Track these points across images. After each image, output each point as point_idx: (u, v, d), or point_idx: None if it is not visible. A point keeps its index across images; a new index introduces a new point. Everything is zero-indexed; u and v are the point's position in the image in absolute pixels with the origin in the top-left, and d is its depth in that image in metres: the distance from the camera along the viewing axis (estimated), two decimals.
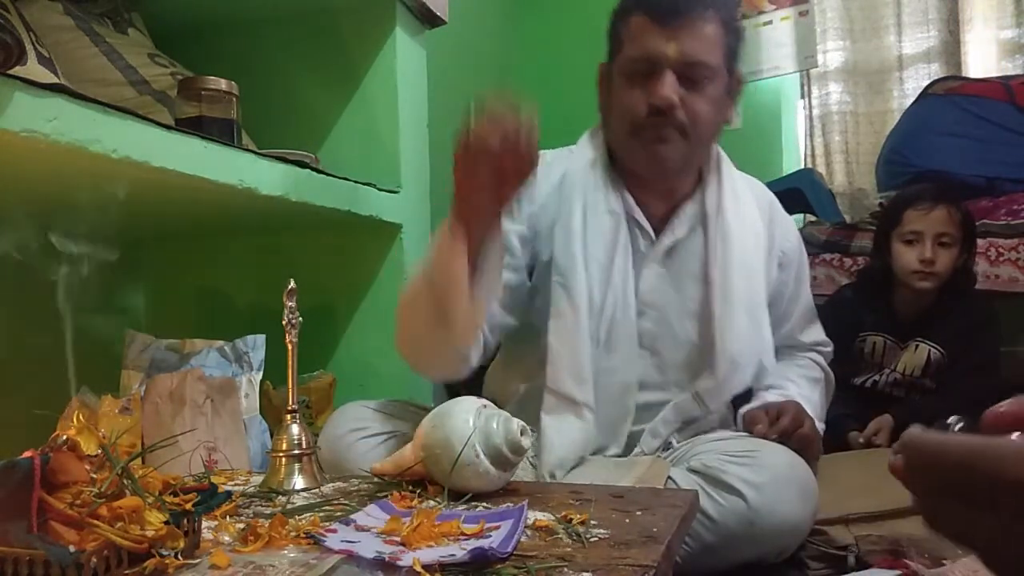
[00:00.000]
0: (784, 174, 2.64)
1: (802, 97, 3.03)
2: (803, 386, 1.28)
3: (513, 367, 1.30)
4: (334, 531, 0.69)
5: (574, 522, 0.73)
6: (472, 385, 1.78)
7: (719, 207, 1.18)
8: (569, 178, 1.19)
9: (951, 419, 1.22)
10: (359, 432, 1.14)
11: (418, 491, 0.85)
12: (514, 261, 1.16)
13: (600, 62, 1.22)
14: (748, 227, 1.20)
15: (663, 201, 1.20)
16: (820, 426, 1.23)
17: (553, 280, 1.15)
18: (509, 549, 0.63)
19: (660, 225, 1.20)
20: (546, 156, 1.18)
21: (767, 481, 1.04)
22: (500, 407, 1.24)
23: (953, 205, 1.74)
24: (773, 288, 1.25)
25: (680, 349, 1.20)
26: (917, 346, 1.78)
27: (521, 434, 0.85)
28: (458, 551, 0.62)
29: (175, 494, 0.64)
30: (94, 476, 0.58)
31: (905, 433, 0.37)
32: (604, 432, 1.18)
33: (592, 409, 1.14)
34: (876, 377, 1.83)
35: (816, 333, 1.37)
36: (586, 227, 1.15)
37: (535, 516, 0.75)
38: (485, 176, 0.91)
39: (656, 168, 1.15)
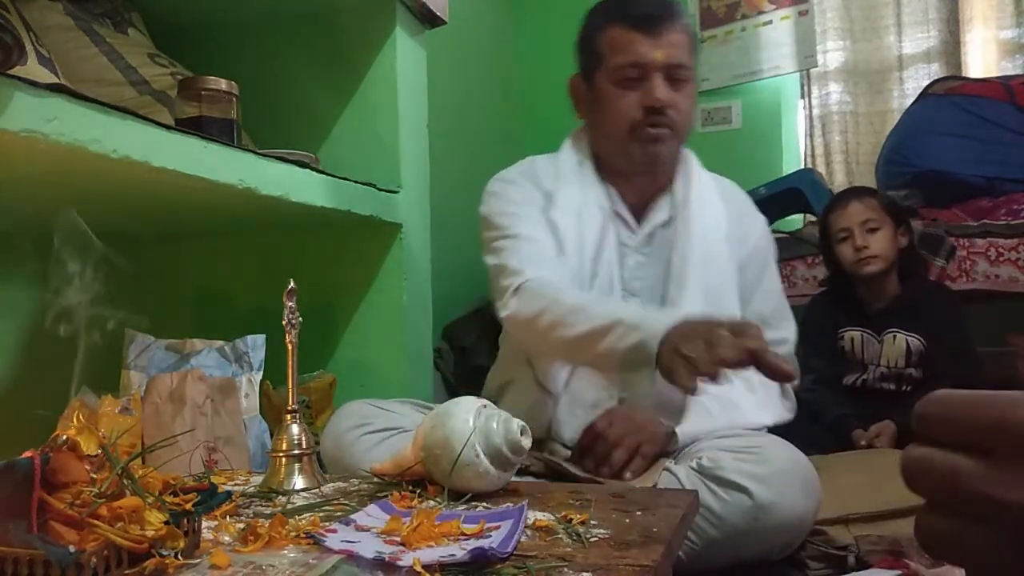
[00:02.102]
0: (784, 174, 2.65)
1: (802, 97, 3.03)
2: None
3: (507, 358, 1.37)
4: (334, 531, 0.69)
5: (574, 522, 0.73)
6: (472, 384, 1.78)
7: (686, 199, 1.28)
8: (562, 178, 1.29)
9: None
10: (362, 428, 1.17)
11: (418, 491, 0.85)
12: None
13: (572, 75, 1.32)
14: (710, 217, 1.28)
15: (641, 195, 1.30)
16: (683, 424, 1.19)
17: None
18: (509, 549, 0.63)
19: (638, 216, 1.30)
20: (537, 162, 1.35)
21: (770, 476, 1.05)
22: (495, 400, 1.27)
23: (866, 195, 1.88)
24: (740, 281, 1.30)
25: None
26: (895, 337, 1.83)
27: (521, 434, 0.85)
28: (458, 551, 0.62)
29: (175, 494, 0.64)
30: (94, 476, 0.58)
31: (920, 403, 0.36)
32: (584, 410, 1.22)
33: (549, 393, 1.23)
34: (865, 376, 1.86)
35: (777, 330, 1.31)
36: (580, 224, 1.25)
37: (535, 516, 0.75)
38: None
39: (651, 165, 1.25)
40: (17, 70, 0.75)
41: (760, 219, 1.38)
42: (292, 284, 0.94)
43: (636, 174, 1.28)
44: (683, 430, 1.18)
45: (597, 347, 1.05)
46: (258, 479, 0.96)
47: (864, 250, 1.81)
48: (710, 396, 1.21)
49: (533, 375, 1.25)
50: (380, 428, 1.18)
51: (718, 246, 1.28)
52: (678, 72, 1.21)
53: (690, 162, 1.33)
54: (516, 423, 0.86)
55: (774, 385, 1.28)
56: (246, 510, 0.81)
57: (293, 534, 0.67)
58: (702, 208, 1.28)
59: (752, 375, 1.25)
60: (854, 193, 1.92)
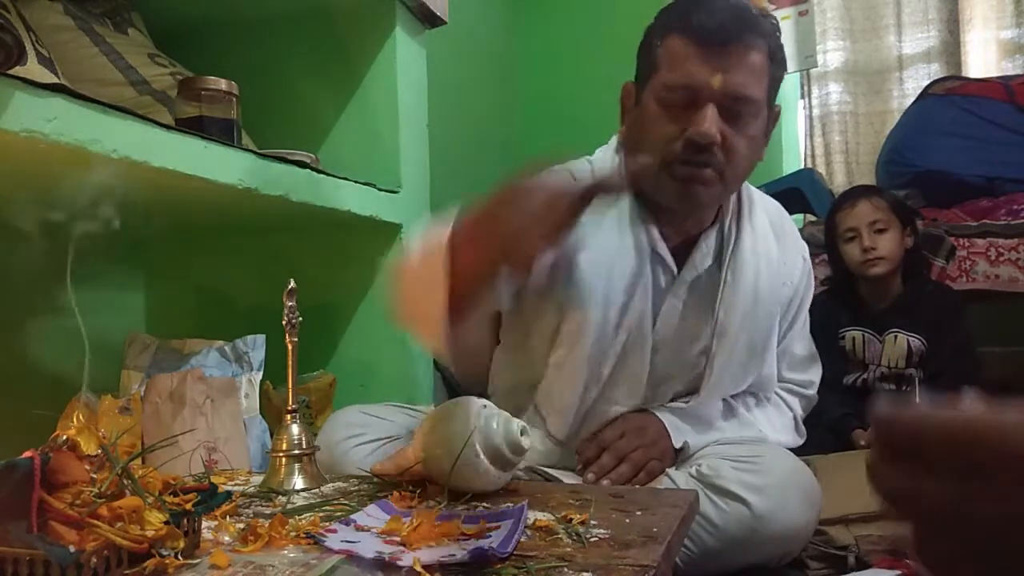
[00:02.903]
0: (784, 174, 2.65)
1: (802, 97, 3.04)
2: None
3: (508, 357, 1.25)
4: (334, 531, 0.69)
5: (574, 522, 0.73)
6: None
7: (737, 240, 1.13)
8: (599, 208, 1.12)
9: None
10: (355, 439, 1.13)
11: (418, 491, 0.85)
12: None
13: (626, 81, 1.13)
14: (763, 260, 1.14)
15: (686, 233, 1.13)
16: (696, 440, 1.14)
17: (567, 310, 1.10)
18: (509, 549, 0.63)
19: (680, 256, 1.13)
20: (572, 170, 1.09)
21: (770, 487, 1.03)
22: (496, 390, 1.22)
23: (875, 195, 1.86)
24: (779, 317, 1.21)
25: (679, 380, 1.18)
26: (896, 337, 1.84)
27: (521, 434, 0.85)
28: (458, 551, 0.62)
29: (175, 494, 0.64)
30: (94, 476, 0.58)
31: (875, 412, 0.35)
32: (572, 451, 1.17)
33: (561, 443, 1.16)
34: (865, 375, 1.87)
35: (804, 373, 1.29)
36: (612, 263, 1.09)
37: (535, 516, 0.75)
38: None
39: (684, 208, 1.08)
40: (17, 70, 0.75)
41: (803, 254, 1.25)
42: (292, 284, 0.94)
43: (674, 212, 1.10)
44: (693, 442, 1.14)
45: None
46: (258, 479, 0.96)
47: (871, 251, 1.80)
48: (721, 410, 1.21)
49: (544, 427, 1.16)
50: (372, 438, 1.14)
51: (769, 296, 1.15)
52: (738, 105, 0.99)
53: (743, 192, 1.15)
54: (516, 423, 0.86)
55: (789, 416, 1.28)
56: (246, 510, 0.81)
57: (293, 534, 0.68)
58: (756, 253, 1.13)
59: (771, 411, 1.25)
60: (863, 192, 1.89)
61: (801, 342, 1.29)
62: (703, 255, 1.13)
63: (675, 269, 1.12)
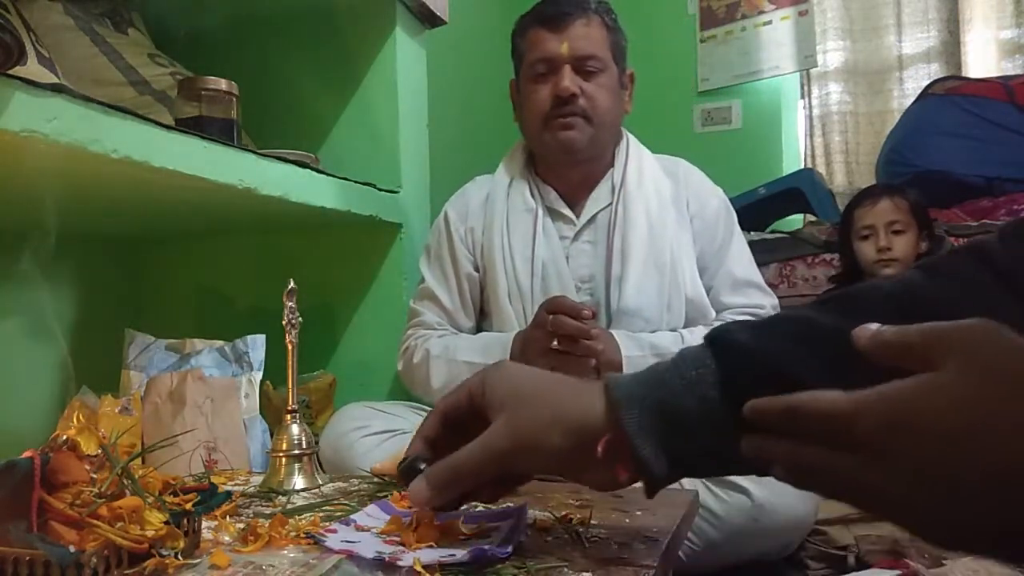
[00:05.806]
0: (784, 174, 2.65)
1: (802, 97, 3.04)
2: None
3: None
4: (334, 531, 0.69)
5: (574, 522, 0.73)
6: None
7: (624, 180, 1.31)
8: (491, 196, 1.35)
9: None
10: (361, 431, 1.16)
11: None
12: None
13: (511, 79, 1.38)
14: (650, 191, 1.30)
15: (581, 188, 1.33)
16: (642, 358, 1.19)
17: (487, 285, 1.31)
18: (509, 549, 0.63)
19: (579, 207, 1.33)
20: (477, 181, 1.42)
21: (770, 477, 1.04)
22: None
23: (897, 195, 1.83)
24: (697, 248, 1.32)
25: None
26: None
27: None
28: (458, 551, 0.62)
29: (175, 494, 0.64)
30: (94, 476, 0.58)
31: (749, 407, 0.46)
32: None
33: None
34: None
35: (748, 297, 1.32)
36: (508, 229, 1.30)
37: (535, 516, 0.75)
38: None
39: (567, 152, 1.28)
40: (17, 70, 0.75)
41: (715, 192, 1.37)
42: (292, 284, 0.94)
43: (565, 166, 1.31)
44: (630, 353, 1.19)
45: None
46: (258, 479, 0.96)
47: (886, 252, 1.77)
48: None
49: None
50: (378, 430, 1.17)
51: (665, 220, 1.28)
52: (587, 63, 1.25)
53: (630, 148, 1.35)
54: None
55: None
56: (246, 510, 0.81)
57: (293, 534, 0.67)
58: (642, 186, 1.30)
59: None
60: (886, 191, 1.86)
61: (738, 269, 1.33)
62: (594, 200, 1.32)
63: (574, 218, 1.31)
